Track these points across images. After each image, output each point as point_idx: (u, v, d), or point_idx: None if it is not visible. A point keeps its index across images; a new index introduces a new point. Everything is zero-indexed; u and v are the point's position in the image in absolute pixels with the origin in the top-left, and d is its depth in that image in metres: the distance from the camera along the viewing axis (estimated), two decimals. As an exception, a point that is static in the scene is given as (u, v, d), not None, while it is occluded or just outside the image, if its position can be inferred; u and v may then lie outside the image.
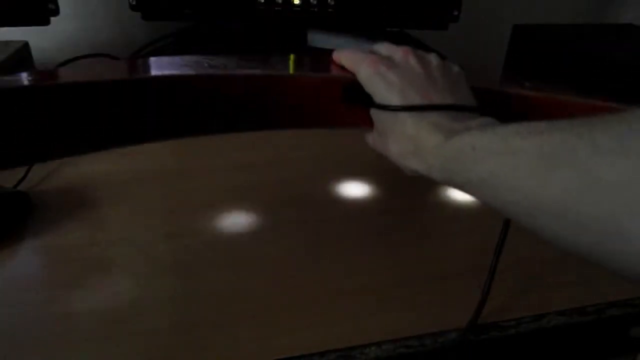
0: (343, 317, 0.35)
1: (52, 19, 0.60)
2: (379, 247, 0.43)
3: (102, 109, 0.32)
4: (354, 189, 0.50)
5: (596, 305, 0.37)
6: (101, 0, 0.82)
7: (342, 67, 0.37)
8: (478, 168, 0.26)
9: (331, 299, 0.37)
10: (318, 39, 0.74)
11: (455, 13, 0.69)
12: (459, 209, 0.48)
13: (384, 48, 0.37)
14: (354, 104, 0.34)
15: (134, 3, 0.64)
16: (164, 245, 0.41)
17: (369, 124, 0.35)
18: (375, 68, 0.33)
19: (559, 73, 0.70)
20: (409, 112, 0.31)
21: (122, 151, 0.54)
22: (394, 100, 0.32)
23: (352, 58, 0.36)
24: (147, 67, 0.39)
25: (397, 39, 0.78)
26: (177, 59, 0.37)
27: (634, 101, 0.62)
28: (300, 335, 0.33)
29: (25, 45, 0.72)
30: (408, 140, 0.31)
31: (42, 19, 0.59)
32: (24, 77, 0.32)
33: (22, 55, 0.70)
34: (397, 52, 0.35)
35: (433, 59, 0.35)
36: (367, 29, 0.75)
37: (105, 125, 0.33)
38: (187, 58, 0.37)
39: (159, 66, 0.38)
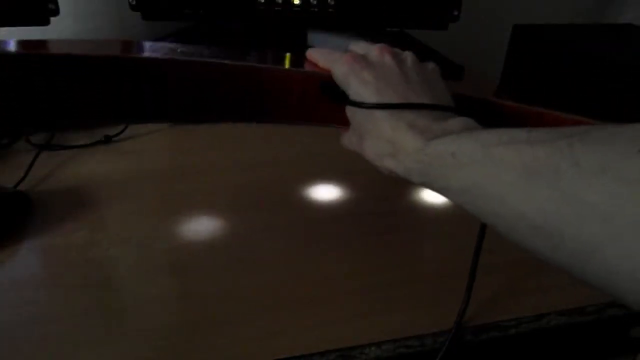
0: (343, 317, 0.35)
1: (52, 19, 0.60)
2: (377, 247, 0.43)
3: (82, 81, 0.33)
4: (354, 189, 0.50)
5: (596, 305, 0.37)
6: (101, 0, 0.82)
7: (317, 66, 0.37)
8: (458, 176, 0.26)
9: (331, 299, 0.37)
10: (318, 39, 0.74)
11: (455, 13, 0.69)
12: (456, 208, 0.48)
13: (359, 47, 0.36)
14: (331, 100, 0.33)
15: (134, 3, 0.64)
16: (164, 245, 0.41)
17: (344, 123, 0.34)
18: (350, 66, 0.33)
19: (559, 73, 0.70)
20: (384, 111, 0.31)
21: (122, 151, 0.54)
22: (370, 98, 0.31)
23: (327, 57, 0.35)
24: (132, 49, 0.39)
25: (397, 39, 0.78)
26: (158, 44, 0.37)
27: (634, 101, 0.62)
28: (300, 335, 0.33)
29: (25, 45, 0.72)
30: (385, 141, 0.31)
31: (42, 19, 0.59)
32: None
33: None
34: (372, 51, 0.34)
35: (408, 56, 0.34)
36: (367, 29, 0.75)
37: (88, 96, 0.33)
38: (161, 44, 0.37)
39: (141, 49, 0.38)
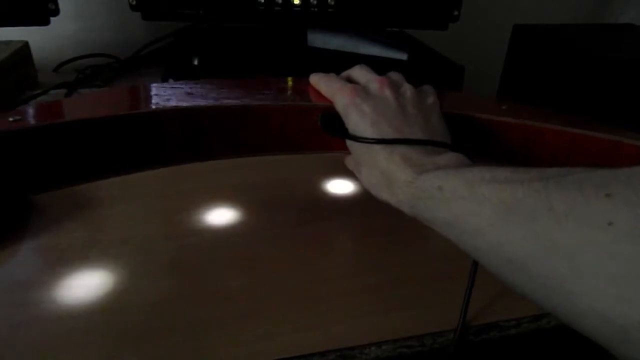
0: (343, 317, 0.35)
1: (52, 19, 0.60)
2: (378, 247, 0.43)
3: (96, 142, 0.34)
4: (354, 189, 0.50)
5: (596, 305, 0.37)
6: (101, 0, 0.82)
7: (317, 92, 0.39)
8: (443, 210, 0.27)
9: (331, 299, 0.37)
10: (318, 39, 0.74)
11: (455, 13, 0.69)
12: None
13: (361, 75, 0.38)
14: (331, 134, 0.35)
15: (134, 3, 0.64)
16: (164, 245, 0.41)
17: (348, 150, 0.36)
18: (351, 98, 0.34)
19: (559, 73, 0.70)
20: (380, 145, 0.32)
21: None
22: (367, 131, 0.33)
23: (330, 86, 0.37)
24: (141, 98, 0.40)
25: (397, 39, 0.78)
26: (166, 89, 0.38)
27: (634, 101, 0.62)
28: (300, 335, 0.33)
29: (25, 45, 0.72)
30: (380, 173, 0.32)
31: (42, 19, 0.59)
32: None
33: (22, 55, 0.70)
34: (373, 83, 0.36)
35: (408, 90, 0.36)
36: (367, 29, 0.75)
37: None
38: (170, 89, 0.38)
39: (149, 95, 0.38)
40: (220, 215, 0.45)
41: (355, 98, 0.34)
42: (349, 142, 0.35)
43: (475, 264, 0.35)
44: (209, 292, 0.37)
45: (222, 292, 0.37)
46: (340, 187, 0.50)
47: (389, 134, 0.32)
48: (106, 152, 0.34)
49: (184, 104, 0.35)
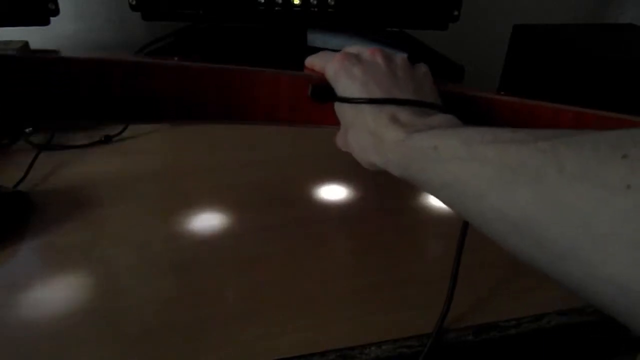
0: (343, 317, 0.35)
1: (52, 19, 0.60)
2: (378, 247, 0.43)
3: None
4: (354, 189, 0.50)
5: (596, 305, 0.37)
6: (101, 0, 0.82)
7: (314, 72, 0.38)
8: (440, 170, 0.26)
9: (331, 299, 0.37)
10: (318, 39, 0.74)
11: (455, 13, 0.69)
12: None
13: (354, 48, 0.37)
14: (320, 101, 0.34)
15: (134, 3, 0.64)
16: (164, 245, 0.41)
17: (338, 122, 0.35)
18: (342, 64, 0.34)
19: (559, 73, 0.70)
20: (368, 105, 0.31)
21: (122, 151, 0.54)
22: (356, 93, 0.32)
23: (322, 57, 0.37)
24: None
25: (397, 39, 0.78)
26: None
27: (634, 101, 0.62)
28: (300, 335, 0.33)
29: (25, 45, 0.72)
30: (368, 133, 0.31)
31: (42, 19, 0.59)
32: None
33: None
34: (365, 51, 0.35)
35: (399, 57, 0.35)
36: (367, 29, 0.75)
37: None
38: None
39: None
40: (220, 215, 0.45)
41: (345, 62, 0.34)
42: (337, 107, 0.34)
43: (463, 235, 0.33)
44: (208, 292, 0.37)
45: (222, 292, 0.37)
46: (340, 187, 0.50)
47: (378, 94, 0.32)
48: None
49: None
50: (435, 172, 0.26)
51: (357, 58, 0.34)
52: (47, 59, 0.32)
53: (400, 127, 0.30)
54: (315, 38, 0.74)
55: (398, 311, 0.36)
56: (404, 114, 0.31)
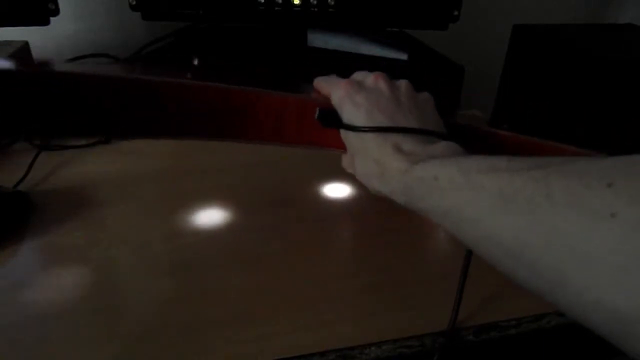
0: (343, 317, 0.35)
1: (52, 19, 0.60)
2: (378, 247, 0.43)
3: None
4: (353, 189, 0.50)
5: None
6: (101, 0, 0.82)
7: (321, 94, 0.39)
8: (440, 199, 0.27)
9: (331, 299, 0.37)
10: (318, 39, 0.74)
11: (455, 13, 0.69)
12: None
13: (359, 74, 0.38)
14: (327, 126, 0.35)
15: (134, 3, 0.64)
16: (163, 245, 0.41)
17: (344, 146, 0.36)
18: (346, 91, 0.35)
19: (559, 73, 0.70)
20: (373, 133, 0.32)
21: (122, 151, 0.54)
22: (360, 120, 0.33)
23: (328, 82, 0.37)
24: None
25: (397, 39, 0.78)
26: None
27: (634, 101, 0.62)
28: (300, 335, 0.33)
29: (25, 45, 0.72)
30: (373, 161, 0.32)
31: (42, 19, 0.59)
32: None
33: (22, 55, 0.70)
34: (368, 77, 0.36)
35: (402, 84, 0.36)
36: (367, 29, 0.75)
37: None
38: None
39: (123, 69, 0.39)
40: (220, 215, 0.45)
41: (350, 90, 0.34)
42: (343, 135, 0.35)
43: (468, 262, 0.35)
44: (208, 292, 0.37)
45: (222, 292, 0.37)
46: (340, 187, 0.50)
47: (383, 122, 0.32)
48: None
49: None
50: (435, 201, 0.27)
51: (360, 85, 0.35)
52: (38, 73, 0.32)
53: (404, 156, 0.30)
54: (315, 38, 0.74)
55: (398, 311, 0.36)
56: (407, 142, 0.31)
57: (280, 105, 0.36)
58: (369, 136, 0.32)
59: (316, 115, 0.35)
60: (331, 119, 0.35)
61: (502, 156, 0.25)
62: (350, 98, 0.34)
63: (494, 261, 0.23)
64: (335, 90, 0.36)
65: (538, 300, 0.37)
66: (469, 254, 0.35)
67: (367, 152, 0.33)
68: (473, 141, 0.38)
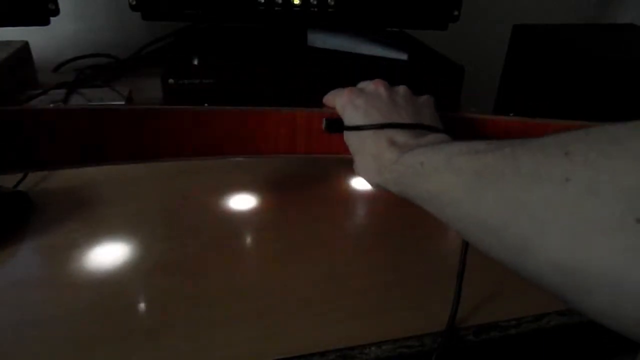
0: (343, 317, 0.35)
1: (52, 19, 0.60)
2: (378, 247, 0.43)
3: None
4: (353, 190, 0.50)
5: (596, 305, 0.37)
6: (101, 0, 0.82)
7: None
8: (425, 184, 0.28)
9: (331, 299, 0.37)
10: (318, 39, 0.74)
11: (455, 13, 0.69)
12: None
13: (362, 83, 0.41)
14: (333, 132, 0.38)
15: (134, 3, 0.64)
16: (164, 245, 0.41)
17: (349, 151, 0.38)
18: (348, 97, 0.37)
19: (559, 73, 0.69)
20: (370, 130, 0.34)
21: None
22: (359, 121, 0.35)
23: (334, 94, 0.40)
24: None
25: (397, 39, 0.78)
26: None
27: (634, 101, 0.62)
28: (300, 335, 0.33)
29: (25, 45, 0.72)
30: (371, 157, 0.34)
31: (42, 19, 0.59)
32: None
33: (22, 55, 0.70)
34: (369, 84, 0.39)
35: (401, 88, 0.38)
36: (367, 29, 0.75)
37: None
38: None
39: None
40: (220, 215, 0.45)
41: (352, 96, 0.37)
42: (346, 137, 0.37)
43: (465, 249, 0.35)
44: (208, 292, 0.37)
45: (222, 292, 0.37)
46: (340, 188, 0.50)
47: (379, 120, 0.35)
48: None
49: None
50: (422, 186, 0.28)
51: (361, 91, 0.38)
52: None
53: (397, 148, 0.32)
54: (315, 38, 0.74)
55: (398, 311, 0.36)
56: (401, 136, 0.33)
57: (291, 119, 0.38)
58: (367, 134, 0.34)
59: (323, 126, 0.38)
60: (336, 125, 0.37)
61: (484, 140, 0.26)
62: (351, 103, 0.36)
63: (473, 240, 0.24)
64: (339, 98, 0.38)
65: (538, 300, 0.37)
66: (466, 244, 0.35)
67: (366, 148, 0.34)
68: (467, 131, 0.40)
